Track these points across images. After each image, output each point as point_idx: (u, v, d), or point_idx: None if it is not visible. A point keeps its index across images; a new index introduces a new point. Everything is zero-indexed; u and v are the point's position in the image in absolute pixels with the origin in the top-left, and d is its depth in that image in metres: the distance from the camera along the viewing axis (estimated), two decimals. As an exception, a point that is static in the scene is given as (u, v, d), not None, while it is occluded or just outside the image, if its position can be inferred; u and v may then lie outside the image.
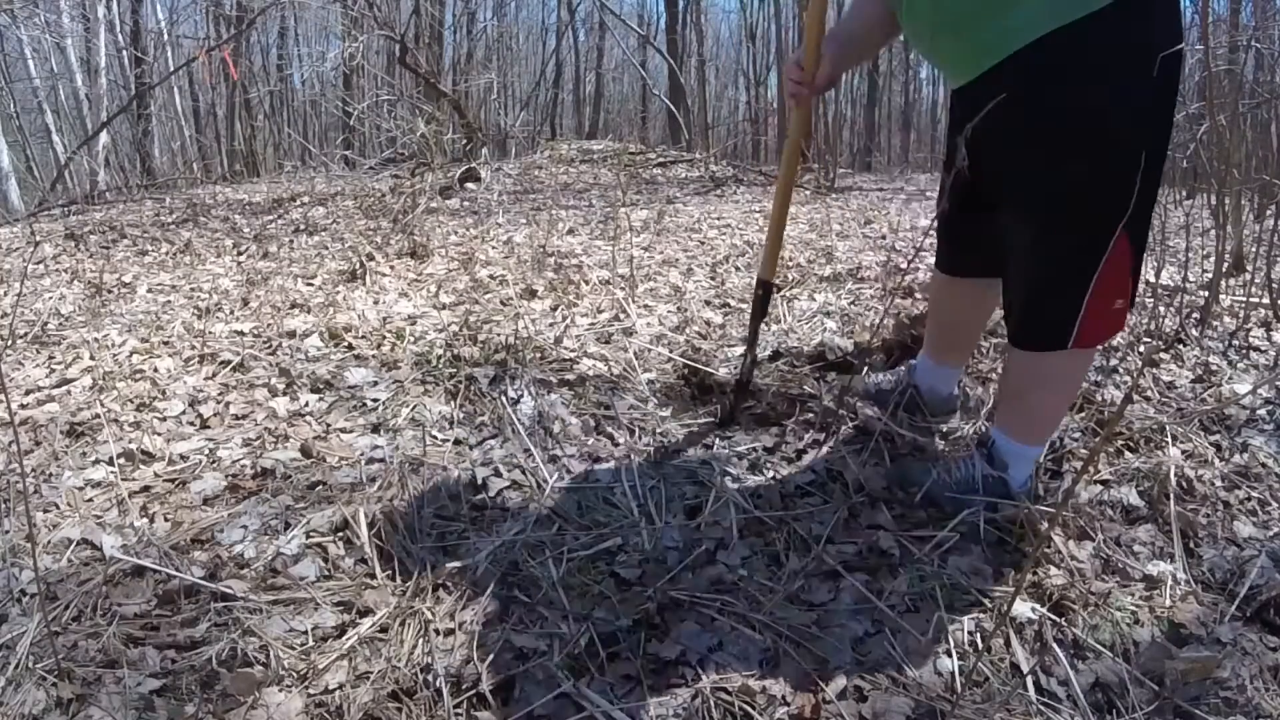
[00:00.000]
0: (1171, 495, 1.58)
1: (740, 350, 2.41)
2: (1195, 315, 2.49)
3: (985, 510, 1.54)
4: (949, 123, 1.63)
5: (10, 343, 2.59)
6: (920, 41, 1.54)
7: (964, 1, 1.35)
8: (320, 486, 1.70)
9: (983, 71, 1.37)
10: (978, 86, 1.38)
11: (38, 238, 4.58)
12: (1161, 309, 2.46)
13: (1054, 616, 1.32)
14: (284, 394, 2.12)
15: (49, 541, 1.53)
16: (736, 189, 6.41)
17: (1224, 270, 2.65)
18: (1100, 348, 2.40)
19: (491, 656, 1.23)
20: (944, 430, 1.90)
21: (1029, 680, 1.21)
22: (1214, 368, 2.21)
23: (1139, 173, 1.28)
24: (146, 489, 1.72)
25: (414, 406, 2.01)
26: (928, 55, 1.58)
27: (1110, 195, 1.31)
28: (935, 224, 1.75)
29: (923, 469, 1.64)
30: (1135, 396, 2.02)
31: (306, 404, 2.06)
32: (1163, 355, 2.28)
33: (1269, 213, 3.42)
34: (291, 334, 2.58)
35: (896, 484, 1.64)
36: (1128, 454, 1.76)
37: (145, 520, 1.60)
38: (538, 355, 2.29)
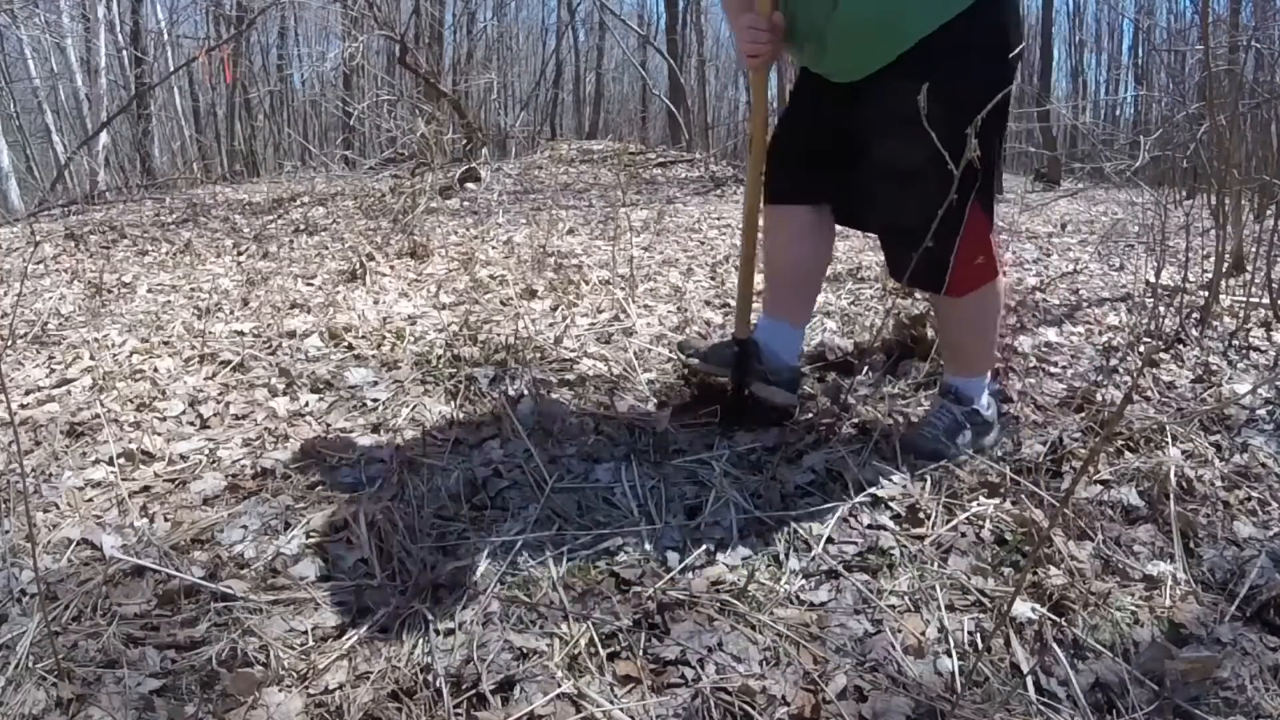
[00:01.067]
0: (1171, 495, 1.58)
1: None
2: (1195, 315, 2.49)
3: (972, 447, 1.77)
4: (816, 104, 1.76)
5: (10, 343, 2.59)
6: (804, 44, 1.67)
7: (860, 17, 1.52)
8: (320, 486, 1.70)
9: (874, 69, 1.56)
10: (865, 82, 1.59)
11: (38, 238, 4.58)
12: (1161, 309, 2.46)
13: (1054, 616, 1.32)
14: (284, 394, 2.12)
15: (49, 541, 1.53)
16: (736, 189, 6.41)
17: (1224, 270, 2.65)
18: (1097, 332, 2.43)
19: (491, 656, 1.23)
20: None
21: (1029, 680, 1.21)
22: (1214, 368, 2.21)
23: (992, 149, 1.53)
24: (146, 489, 1.72)
25: (414, 406, 2.01)
26: (811, 59, 1.71)
27: (968, 168, 1.49)
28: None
29: (914, 438, 1.77)
30: (1135, 396, 2.02)
31: (306, 404, 2.06)
32: (1163, 355, 2.28)
33: (1269, 213, 3.42)
34: (291, 334, 2.58)
35: (915, 460, 1.73)
36: (1128, 454, 1.76)
37: (145, 520, 1.60)
38: (538, 355, 2.30)
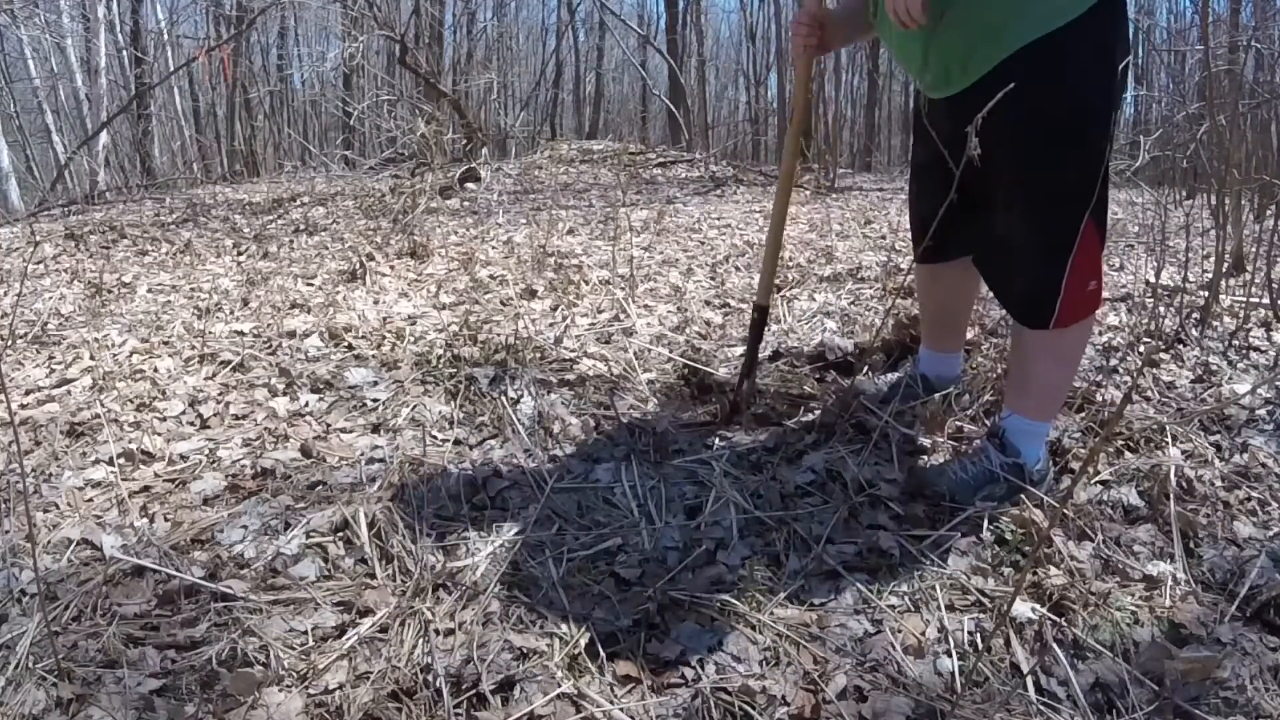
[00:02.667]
0: (1171, 495, 1.58)
1: (740, 350, 2.42)
2: (1195, 315, 2.49)
3: (1001, 502, 1.58)
4: (920, 127, 1.74)
5: (10, 343, 2.59)
6: (908, 56, 1.62)
7: (959, 15, 1.45)
8: (320, 486, 1.70)
9: (972, 82, 1.48)
10: (966, 93, 1.50)
11: (38, 238, 4.58)
12: (1161, 309, 2.46)
13: (1054, 616, 1.32)
14: (284, 394, 2.12)
15: (49, 541, 1.53)
16: (736, 189, 6.41)
17: (1224, 270, 2.65)
18: (1097, 332, 2.43)
19: (491, 656, 1.23)
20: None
21: (1029, 680, 1.21)
22: (1214, 368, 2.21)
23: (1101, 164, 1.45)
24: (146, 489, 1.72)
25: (414, 406, 2.01)
26: (915, 70, 1.64)
27: (1080, 185, 1.46)
28: (911, 218, 1.91)
29: (936, 472, 1.67)
30: (1135, 396, 2.02)
31: (306, 404, 2.06)
32: (1163, 355, 2.28)
33: (1269, 213, 3.42)
34: (291, 334, 2.58)
35: (915, 491, 1.63)
36: (1128, 454, 1.76)
37: (145, 520, 1.60)
38: (538, 355, 2.29)
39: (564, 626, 1.30)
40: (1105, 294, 2.98)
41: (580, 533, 1.53)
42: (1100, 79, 1.43)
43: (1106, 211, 1.52)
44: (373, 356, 2.34)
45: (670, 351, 2.37)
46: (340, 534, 1.54)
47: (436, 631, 1.29)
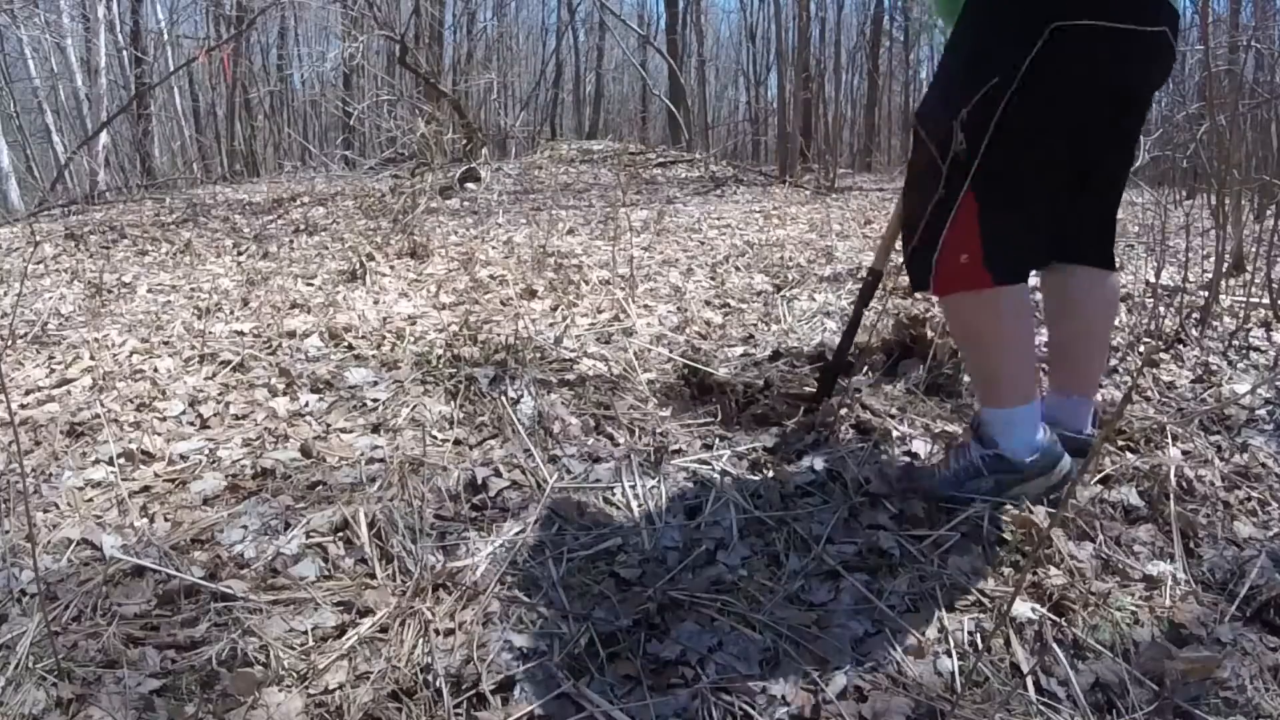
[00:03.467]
0: (1171, 495, 1.57)
1: (740, 350, 2.42)
2: (1195, 315, 2.49)
3: (990, 498, 1.53)
4: None
5: (10, 343, 2.59)
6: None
7: None
8: (320, 486, 1.70)
9: (949, 21, 1.50)
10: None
11: (38, 238, 4.59)
12: (1161, 309, 2.46)
13: (1054, 616, 1.32)
14: (284, 394, 2.12)
15: (49, 541, 1.53)
16: (736, 189, 6.42)
17: (1224, 270, 2.65)
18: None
19: (491, 656, 1.23)
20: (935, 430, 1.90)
21: (1029, 680, 1.20)
22: (1214, 368, 2.21)
23: (983, 129, 1.33)
24: (146, 489, 1.72)
25: (414, 406, 2.01)
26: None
27: (963, 151, 1.38)
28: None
29: (926, 472, 1.66)
30: (1135, 396, 2.02)
31: (306, 404, 2.06)
32: (1163, 355, 2.28)
33: (1269, 213, 3.42)
34: (291, 334, 2.58)
35: (905, 492, 1.61)
36: (1128, 454, 1.76)
37: (145, 520, 1.60)
38: (538, 355, 2.29)
39: (564, 626, 1.30)
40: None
41: (580, 533, 1.53)
42: (1019, 40, 1.30)
43: (1000, 190, 1.43)
44: (373, 356, 2.34)
45: (670, 351, 2.37)
46: (340, 534, 1.54)
47: (436, 631, 1.29)
